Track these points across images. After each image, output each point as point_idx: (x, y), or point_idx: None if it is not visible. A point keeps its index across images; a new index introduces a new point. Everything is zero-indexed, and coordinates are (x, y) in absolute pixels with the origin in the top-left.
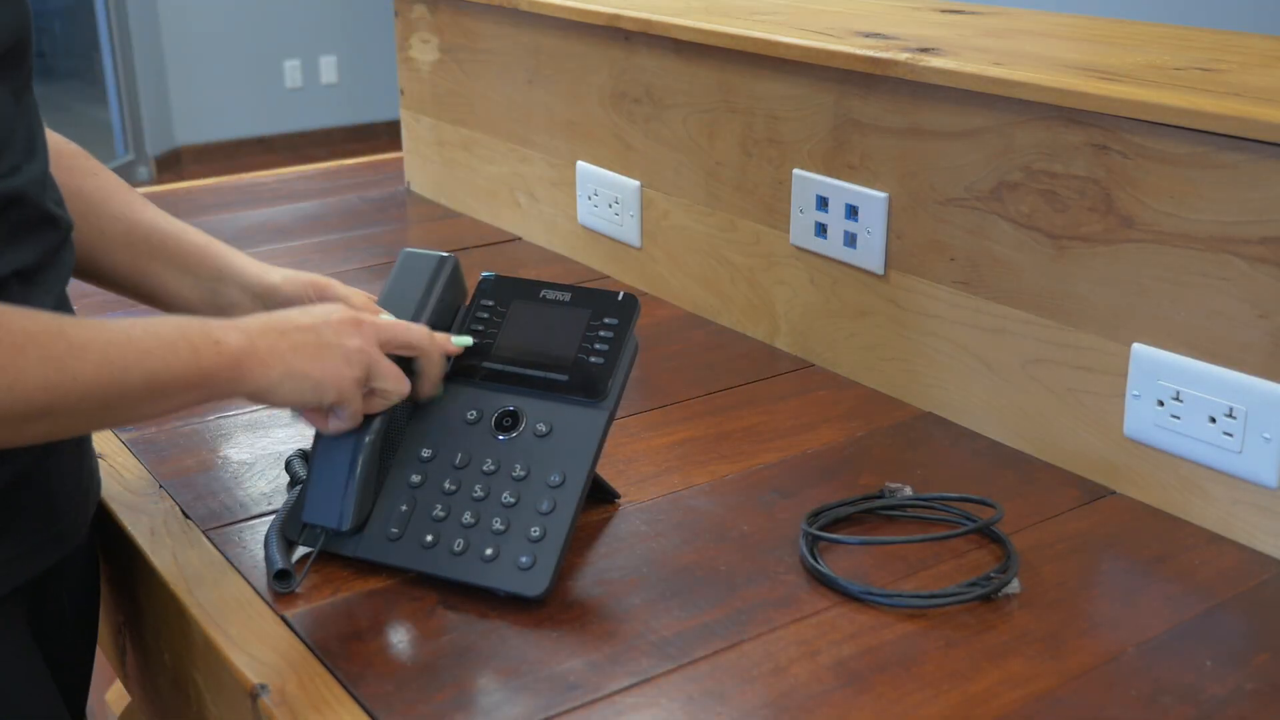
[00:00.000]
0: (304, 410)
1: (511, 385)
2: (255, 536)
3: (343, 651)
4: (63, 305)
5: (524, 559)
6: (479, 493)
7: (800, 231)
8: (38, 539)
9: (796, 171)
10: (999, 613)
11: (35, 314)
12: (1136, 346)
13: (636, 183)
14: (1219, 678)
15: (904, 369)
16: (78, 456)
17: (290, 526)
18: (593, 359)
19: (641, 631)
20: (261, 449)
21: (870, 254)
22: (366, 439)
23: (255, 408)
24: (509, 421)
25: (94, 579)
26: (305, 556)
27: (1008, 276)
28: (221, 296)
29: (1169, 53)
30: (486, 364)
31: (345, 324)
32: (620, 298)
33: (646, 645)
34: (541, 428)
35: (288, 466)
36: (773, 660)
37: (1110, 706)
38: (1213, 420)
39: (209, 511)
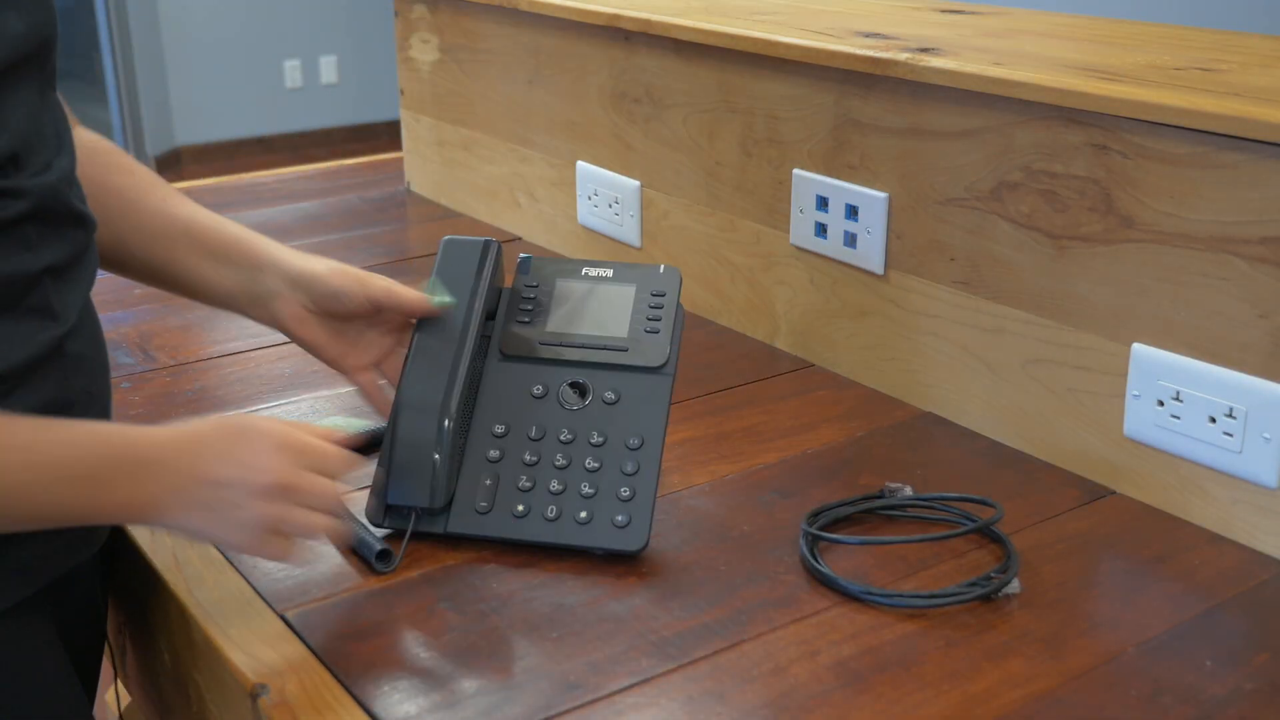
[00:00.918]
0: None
1: (571, 360)
2: None
3: (343, 651)
4: (89, 304)
5: (619, 518)
6: (561, 461)
7: (800, 231)
8: (69, 535)
9: (796, 171)
10: (999, 613)
11: None
12: (1136, 346)
13: (636, 183)
14: (1219, 678)
15: (904, 369)
16: None
17: (373, 512)
18: (647, 330)
19: (641, 631)
20: None
21: (870, 254)
22: (447, 421)
23: (254, 407)
24: (577, 392)
25: (104, 579)
26: (396, 538)
27: (1008, 276)
28: (260, 285)
29: (1169, 53)
30: (543, 342)
31: (268, 481)
32: (662, 270)
33: (646, 645)
34: (610, 396)
35: None
36: (773, 660)
37: (1110, 706)
38: (1213, 420)
39: None
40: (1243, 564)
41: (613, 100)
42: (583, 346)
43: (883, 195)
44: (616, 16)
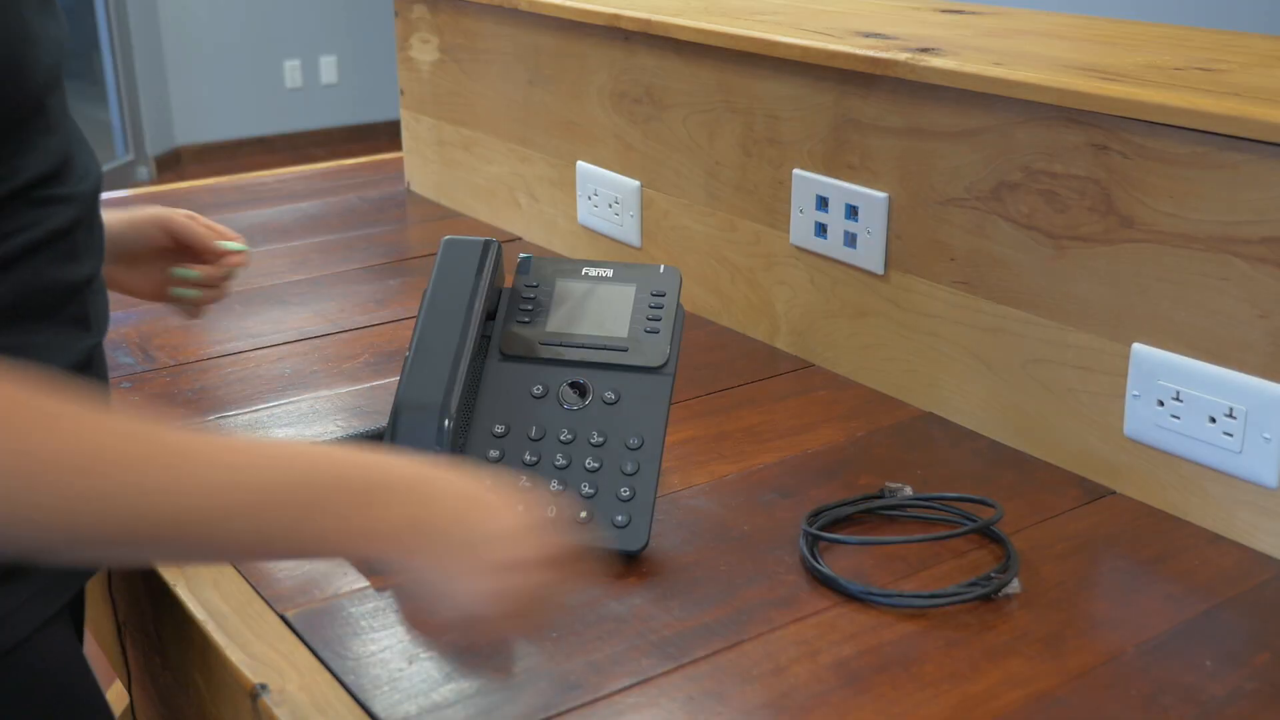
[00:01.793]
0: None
1: (571, 360)
2: None
3: (343, 651)
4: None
5: (619, 518)
6: (561, 461)
7: (800, 231)
8: None
9: (796, 171)
10: (999, 613)
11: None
12: (1136, 346)
13: (636, 183)
14: (1219, 678)
15: (904, 369)
16: None
17: None
18: (647, 330)
19: (641, 631)
20: None
21: (870, 254)
22: (447, 421)
23: (254, 407)
24: (577, 392)
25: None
26: None
27: (1008, 276)
28: None
29: (1169, 53)
30: (543, 341)
31: (505, 556)
32: (662, 270)
33: (646, 645)
34: (610, 396)
35: None
36: (773, 660)
37: (1110, 706)
38: (1213, 420)
39: None
40: (1243, 564)
41: (613, 100)
42: (583, 346)
43: (883, 195)
44: (616, 16)
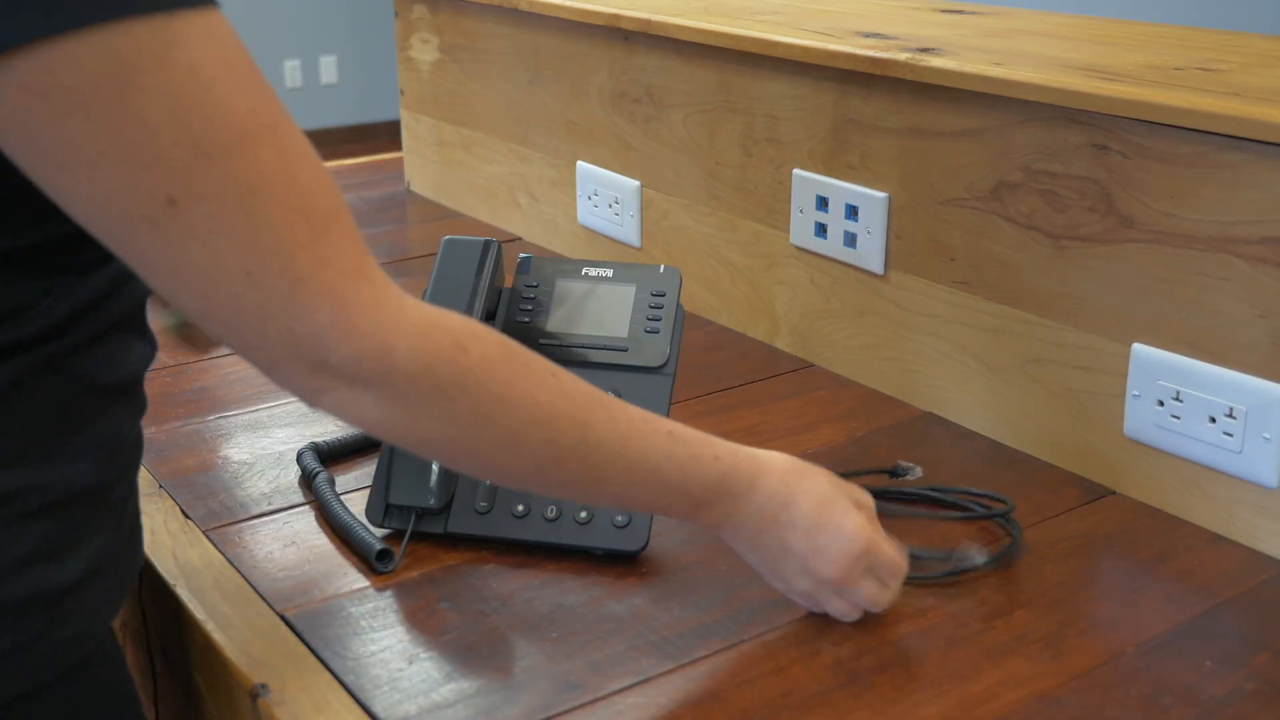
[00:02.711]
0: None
1: (571, 359)
2: (255, 536)
3: (343, 651)
4: None
5: (619, 518)
6: None
7: (800, 231)
8: (139, 552)
9: (796, 171)
10: (999, 613)
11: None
12: (1136, 346)
13: (636, 183)
14: (1219, 678)
15: (904, 369)
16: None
17: (373, 511)
18: (647, 330)
19: (641, 631)
20: (261, 449)
21: (870, 254)
22: None
23: (254, 407)
24: None
25: None
26: (396, 538)
27: (1008, 276)
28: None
29: (1169, 53)
30: (544, 340)
31: (828, 576)
32: (662, 270)
33: (646, 645)
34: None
35: (299, 459)
36: (773, 660)
37: (1110, 706)
38: (1213, 420)
39: (209, 511)
40: (1243, 564)
41: (613, 100)
42: (583, 346)
43: (883, 195)
44: (616, 16)
